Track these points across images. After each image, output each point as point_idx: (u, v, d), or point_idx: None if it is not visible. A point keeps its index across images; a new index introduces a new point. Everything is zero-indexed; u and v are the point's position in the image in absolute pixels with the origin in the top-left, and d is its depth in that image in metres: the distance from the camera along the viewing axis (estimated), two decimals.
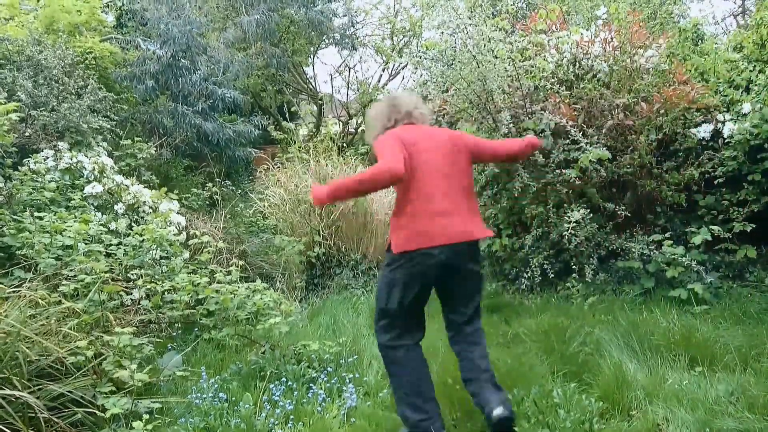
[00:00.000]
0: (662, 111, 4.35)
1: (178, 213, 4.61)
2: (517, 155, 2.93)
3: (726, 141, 4.27)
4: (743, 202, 4.24)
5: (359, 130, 11.72)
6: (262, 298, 3.45)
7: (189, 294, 3.44)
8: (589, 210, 4.21)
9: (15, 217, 3.67)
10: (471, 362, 2.48)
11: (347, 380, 3.00)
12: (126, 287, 3.59)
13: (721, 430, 2.35)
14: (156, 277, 3.60)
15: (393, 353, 2.50)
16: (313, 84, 12.40)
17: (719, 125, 4.31)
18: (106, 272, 3.17)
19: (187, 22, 7.33)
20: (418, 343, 2.56)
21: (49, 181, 4.31)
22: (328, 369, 3.12)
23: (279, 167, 6.73)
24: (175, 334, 3.64)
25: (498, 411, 2.30)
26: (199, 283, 3.45)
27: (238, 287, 3.49)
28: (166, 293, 3.47)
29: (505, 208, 4.70)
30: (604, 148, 4.18)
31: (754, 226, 4.10)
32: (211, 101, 7.55)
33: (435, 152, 2.51)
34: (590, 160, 4.13)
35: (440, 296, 2.61)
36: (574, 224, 4.04)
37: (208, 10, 9.39)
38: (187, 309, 3.44)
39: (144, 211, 4.54)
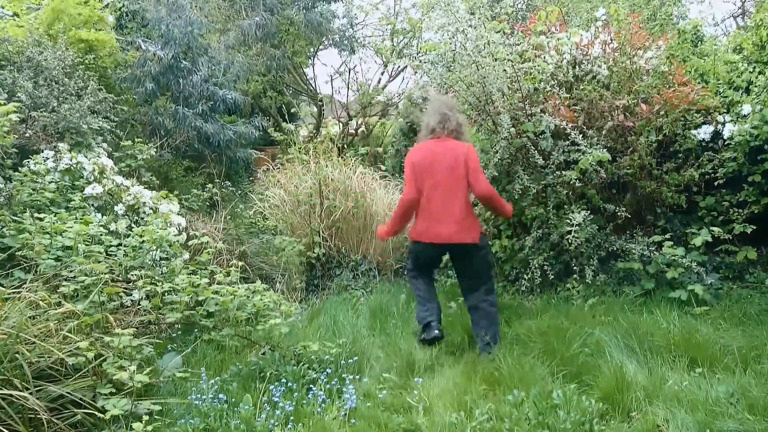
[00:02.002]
0: (662, 112, 4.35)
1: (178, 214, 4.61)
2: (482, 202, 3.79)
3: (726, 142, 4.27)
4: (743, 203, 4.25)
5: (359, 131, 11.72)
6: (261, 299, 3.45)
7: (189, 295, 3.44)
8: (589, 211, 4.22)
9: (15, 218, 3.66)
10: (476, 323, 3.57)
11: (347, 381, 3.00)
12: (126, 288, 3.58)
13: (721, 431, 2.35)
14: (156, 278, 3.60)
15: (413, 279, 3.78)
16: (313, 85, 12.40)
17: (719, 126, 4.31)
18: (106, 273, 3.16)
19: (188, 23, 7.33)
20: (428, 278, 3.77)
21: (49, 182, 4.30)
22: (328, 370, 3.12)
23: (279, 168, 6.73)
24: (174, 335, 3.64)
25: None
26: (199, 284, 3.45)
27: (238, 288, 3.48)
28: (166, 294, 3.46)
29: None
30: (604, 150, 4.19)
31: (755, 227, 4.10)
32: (212, 103, 7.54)
33: (434, 169, 3.49)
34: (590, 162, 4.13)
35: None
36: (576, 227, 4.05)
37: (209, 11, 9.39)
38: (187, 310, 3.44)
39: (144, 212, 4.53)
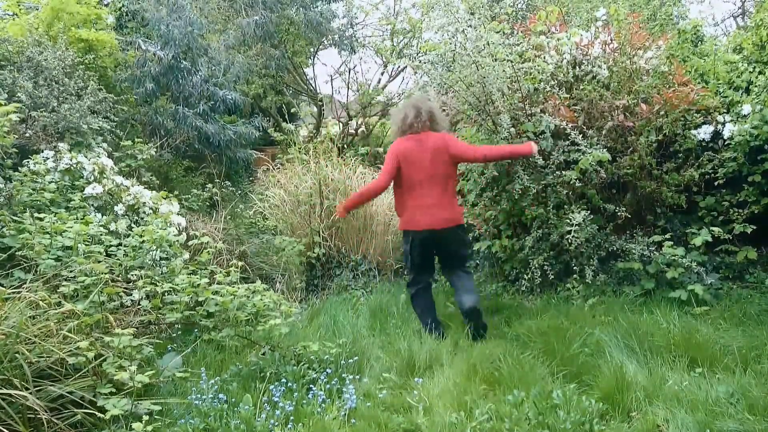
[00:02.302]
0: (662, 112, 4.35)
1: (178, 214, 4.61)
2: (502, 159, 4.23)
3: (726, 142, 4.27)
4: (743, 203, 4.25)
5: (359, 131, 11.72)
6: (261, 299, 3.45)
7: (189, 295, 3.44)
8: (589, 211, 4.22)
9: (15, 218, 3.66)
10: (456, 287, 3.86)
11: (347, 381, 3.00)
12: (126, 288, 3.59)
13: (721, 431, 2.35)
14: (156, 277, 3.60)
15: (414, 298, 4.00)
16: (314, 85, 12.39)
17: (719, 126, 4.31)
18: (106, 273, 3.16)
19: (188, 23, 7.33)
20: (428, 295, 3.98)
21: (49, 182, 4.30)
22: (328, 370, 3.12)
23: (279, 168, 6.73)
24: (174, 335, 3.64)
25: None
26: (199, 284, 3.45)
27: (238, 288, 3.48)
28: (166, 294, 3.46)
29: (505, 209, 4.70)
30: (604, 150, 4.19)
31: (755, 227, 4.10)
32: (212, 103, 7.55)
33: (421, 162, 3.73)
34: (590, 162, 4.13)
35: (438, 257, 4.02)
36: (576, 227, 4.05)
37: (209, 11, 9.39)
38: (187, 310, 3.44)
39: (144, 212, 4.54)
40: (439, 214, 3.73)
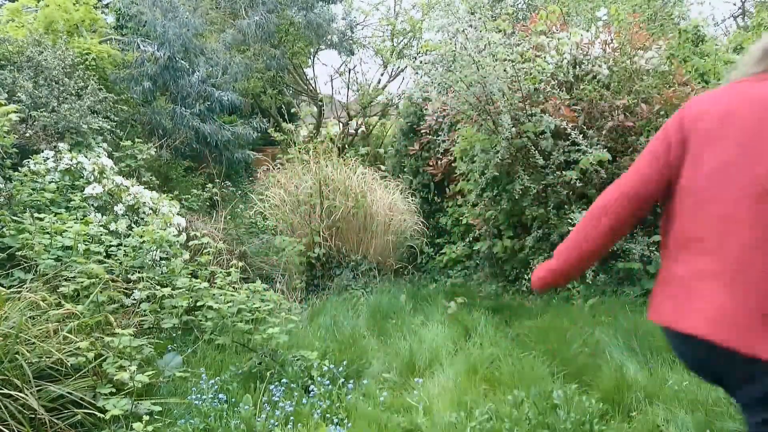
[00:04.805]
0: (662, 112, 4.35)
1: (178, 214, 4.61)
2: None
3: None
4: None
5: (359, 131, 11.72)
6: (259, 308, 3.43)
7: (187, 301, 3.44)
8: None
9: (15, 217, 3.66)
10: None
11: (347, 382, 3.00)
12: (126, 288, 3.58)
13: (721, 431, 2.35)
14: (155, 278, 3.59)
15: None
16: (314, 85, 12.39)
17: None
18: (105, 276, 3.16)
19: (182, 24, 7.35)
20: None
21: (49, 182, 4.30)
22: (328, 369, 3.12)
23: (279, 168, 6.73)
24: (174, 335, 3.64)
25: None
26: (198, 289, 3.44)
27: (239, 291, 3.47)
28: (165, 298, 3.46)
29: (505, 209, 4.70)
30: (604, 150, 4.18)
31: None
32: (209, 103, 7.56)
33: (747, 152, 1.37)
34: (590, 162, 4.13)
35: None
36: None
37: (203, 11, 9.37)
38: (185, 315, 3.44)
39: (144, 212, 4.53)
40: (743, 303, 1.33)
